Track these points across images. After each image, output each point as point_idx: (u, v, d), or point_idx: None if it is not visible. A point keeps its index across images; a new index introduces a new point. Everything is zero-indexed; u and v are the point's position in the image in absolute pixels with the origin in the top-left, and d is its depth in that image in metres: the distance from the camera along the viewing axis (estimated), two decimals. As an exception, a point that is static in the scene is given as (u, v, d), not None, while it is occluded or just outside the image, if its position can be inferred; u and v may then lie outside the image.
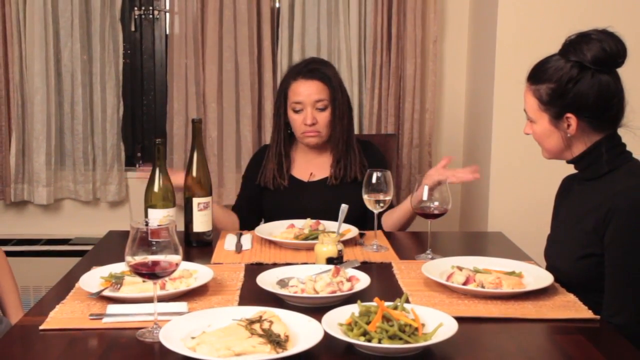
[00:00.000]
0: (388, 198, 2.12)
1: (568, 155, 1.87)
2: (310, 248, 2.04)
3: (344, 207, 2.08)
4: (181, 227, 2.17)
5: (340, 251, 1.91)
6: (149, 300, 1.58)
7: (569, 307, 1.65)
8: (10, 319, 2.16)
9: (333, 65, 2.62)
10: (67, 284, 1.80)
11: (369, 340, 1.38)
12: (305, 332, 1.43)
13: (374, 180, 2.12)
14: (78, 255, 2.77)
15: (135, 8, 3.68)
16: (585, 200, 1.83)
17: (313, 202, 2.50)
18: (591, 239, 1.76)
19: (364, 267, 1.93)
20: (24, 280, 3.24)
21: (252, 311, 1.51)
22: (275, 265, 1.97)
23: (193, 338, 1.40)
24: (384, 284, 1.85)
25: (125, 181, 3.66)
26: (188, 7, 3.46)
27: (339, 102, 2.49)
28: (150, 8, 3.71)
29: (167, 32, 3.66)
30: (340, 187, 2.51)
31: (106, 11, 3.49)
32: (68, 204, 3.69)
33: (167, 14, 3.66)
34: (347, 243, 2.14)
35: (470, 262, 1.88)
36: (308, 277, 1.71)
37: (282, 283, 1.74)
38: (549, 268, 1.88)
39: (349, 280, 1.71)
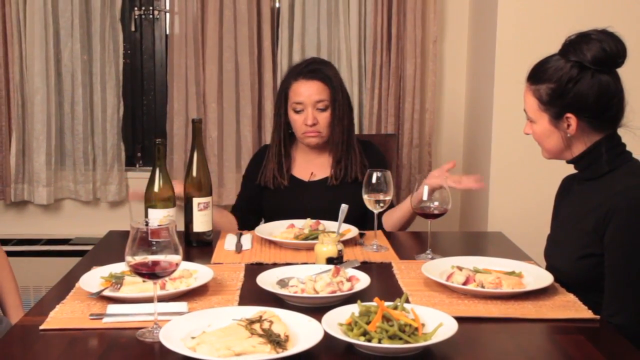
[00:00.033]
0: (388, 198, 2.12)
1: (568, 155, 1.87)
2: (310, 248, 2.04)
3: (344, 207, 2.08)
4: (181, 227, 2.17)
5: (340, 251, 1.91)
6: (149, 300, 1.58)
7: (569, 307, 1.65)
8: (10, 319, 2.16)
9: (334, 66, 2.61)
10: (67, 284, 1.80)
11: (369, 340, 1.38)
12: (305, 332, 1.43)
13: (374, 180, 2.12)
14: (78, 255, 2.78)
15: (135, 8, 3.68)
16: (585, 200, 1.83)
17: (313, 202, 2.49)
18: (591, 238, 1.76)
19: (364, 267, 1.93)
20: (24, 280, 3.23)
21: (252, 311, 1.51)
22: (275, 265, 1.97)
23: (193, 338, 1.40)
24: (384, 284, 1.85)
25: (125, 181, 3.66)
26: (188, 7, 3.46)
27: (339, 103, 2.49)
28: (151, 8, 3.71)
29: (167, 32, 3.67)
30: (341, 187, 2.51)
31: (106, 11, 3.50)
32: (68, 204, 3.69)
33: (167, 14, 3.66)
34: (347, 243, 2.14)
35: (470, 262, 1.88)
36: (308, 277, 1.71)
37: (282, 283, 1.74)
38: (548, 268, 1.88)
39: (349, 280, 1.71)
